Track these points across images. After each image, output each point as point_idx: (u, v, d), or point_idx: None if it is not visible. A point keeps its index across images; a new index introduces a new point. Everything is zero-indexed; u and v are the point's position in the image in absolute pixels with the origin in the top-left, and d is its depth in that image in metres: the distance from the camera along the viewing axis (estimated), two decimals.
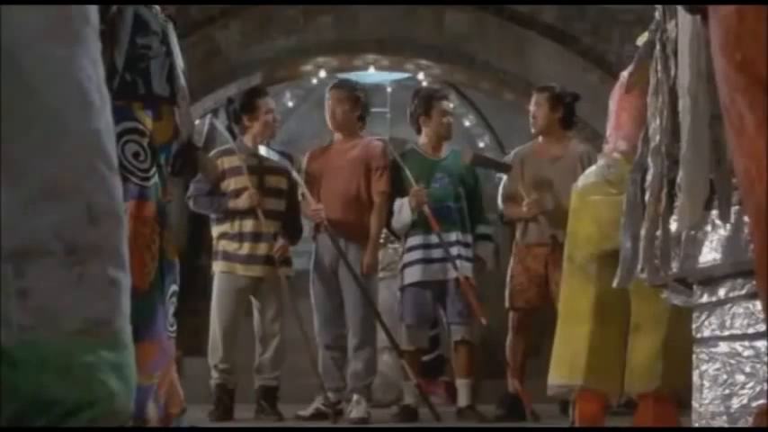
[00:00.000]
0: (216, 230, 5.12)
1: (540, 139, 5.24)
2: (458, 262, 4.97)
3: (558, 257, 4.61)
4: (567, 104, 5.23)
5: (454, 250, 5.00)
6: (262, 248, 4.98)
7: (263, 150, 5.06)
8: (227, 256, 5.03)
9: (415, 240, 5.08)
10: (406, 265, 5.12)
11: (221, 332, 5.00)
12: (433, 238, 5.00)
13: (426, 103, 5.30)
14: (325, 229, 4.93)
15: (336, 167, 5.03)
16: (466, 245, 5.09)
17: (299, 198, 5.14)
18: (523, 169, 5.17)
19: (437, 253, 5.02)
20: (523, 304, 5.06)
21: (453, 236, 5.03)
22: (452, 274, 4.98)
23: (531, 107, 5.24)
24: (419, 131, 5.36)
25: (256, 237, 4.98)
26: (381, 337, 5.22)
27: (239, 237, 5.00)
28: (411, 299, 5.05)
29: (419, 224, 5.05)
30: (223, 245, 5.05)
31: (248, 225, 4.98)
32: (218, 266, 5.08)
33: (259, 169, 5.06)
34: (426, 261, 5.03)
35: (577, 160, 5.03)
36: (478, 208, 5.28)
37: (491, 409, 5.03)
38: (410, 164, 5.14)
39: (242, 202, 4.95)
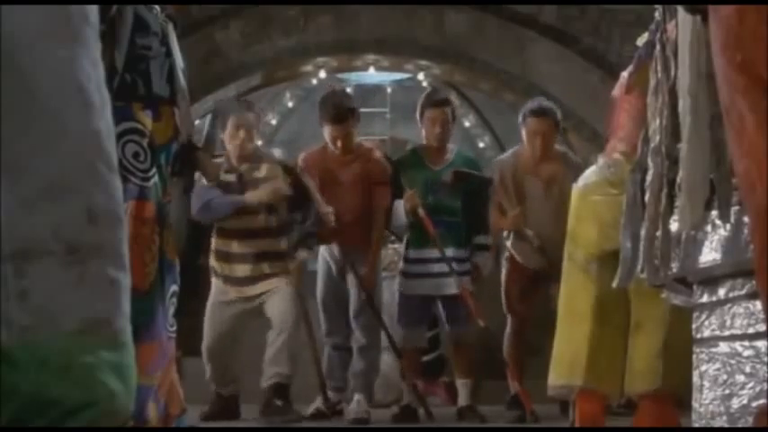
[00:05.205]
0: (213, 244, 4.95)
1: (526, 151, 5.10)
2: (456, 278, 4.91)
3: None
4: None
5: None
6: (247, 270, 4.81)
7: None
8: (220, 277, 4.89)
9: (413, 254, 5.04)
10: (403, 274, 5.08)
11: (207, 353, 4.85)
12: (433, 253, 4.93)
13: (420, 108, 5.21)
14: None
15: (339, 180, 4.97)
16: (461, 260, 5.00)
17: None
18: (507, 180, 5.05)
19: (436, 268, 4.95)
20: (521, 308, 5.06)
21: (449, 252, 4.95)
22: (451, 290, 4.92)
23: (537, 133, 4.99)
24: None
25: (243, 258, 4.82)
26: (381, 337, 5.22)
27: (226, 256, 4.86)
28: (407, 300, 5.04)
29: (417, 233, 5.00)
30: (216, 266, 4.90)
31: (235, 246, 4.83)
32: (213, 283, 4.93)
33: (239, 186, 4.86)
34: (423, 276, 4.98)
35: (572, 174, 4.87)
36: (480, 217, 5.11)
37: (492, 410, 5.03)
38: (409, 172, 5.08)
39: (258, 195, 4.79)
